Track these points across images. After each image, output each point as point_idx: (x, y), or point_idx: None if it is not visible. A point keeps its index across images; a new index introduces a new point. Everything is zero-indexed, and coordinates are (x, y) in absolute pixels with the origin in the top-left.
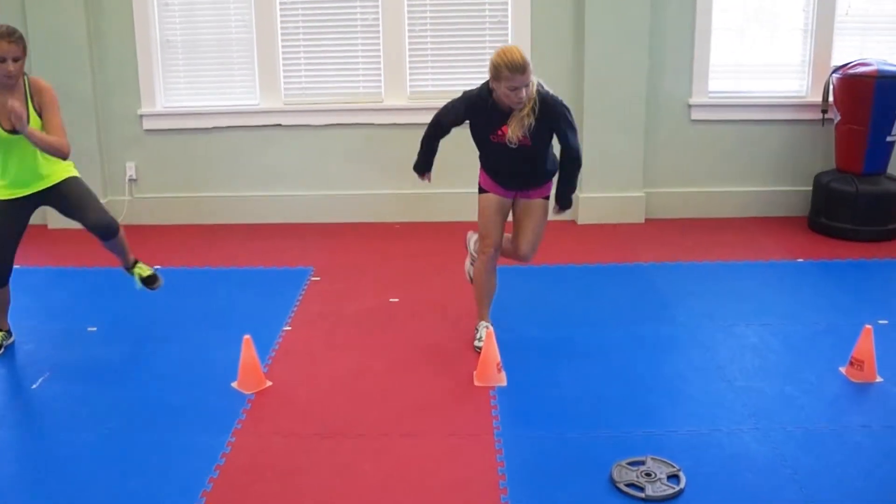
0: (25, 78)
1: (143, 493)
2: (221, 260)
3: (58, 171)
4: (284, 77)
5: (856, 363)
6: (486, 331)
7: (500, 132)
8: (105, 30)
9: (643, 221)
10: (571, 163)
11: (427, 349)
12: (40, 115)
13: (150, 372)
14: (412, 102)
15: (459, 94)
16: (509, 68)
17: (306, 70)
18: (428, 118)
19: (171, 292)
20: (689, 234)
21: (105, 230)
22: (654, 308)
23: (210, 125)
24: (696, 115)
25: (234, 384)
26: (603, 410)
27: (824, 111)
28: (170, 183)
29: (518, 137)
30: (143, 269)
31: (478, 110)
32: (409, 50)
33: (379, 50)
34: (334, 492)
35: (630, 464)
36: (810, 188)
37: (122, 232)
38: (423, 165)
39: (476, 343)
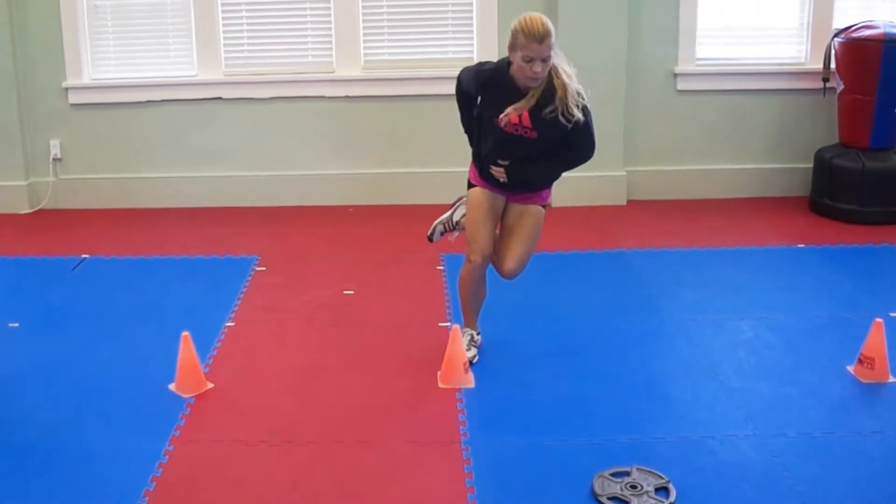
0: None
1: None
2: (156, 248)
3: None
4: (225, 45)
5: (865, 361)
6: (471, 338)
7: (504, 117)
8: None
9: (624, 203)
10: (572, 160)
11: (386, 346)
12: None
13: (78, 373)
14: (366, 73)
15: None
16: (526, 34)
17: (249, 37)
18: (384, 90)
19: (100, 284)
20: (676, 217)
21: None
22: (637, 300)
23: (143, 99)
24: (682, 84)
25: (172, 386)
26: (582, 415)
27: (825, 79)
28: (98, 163)
29: (513, 116)
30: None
31: (490, 84)
32: (363, 15)
33: (330, 15)
34: None
35: (613, 475)
36: (811, 165)
37: None
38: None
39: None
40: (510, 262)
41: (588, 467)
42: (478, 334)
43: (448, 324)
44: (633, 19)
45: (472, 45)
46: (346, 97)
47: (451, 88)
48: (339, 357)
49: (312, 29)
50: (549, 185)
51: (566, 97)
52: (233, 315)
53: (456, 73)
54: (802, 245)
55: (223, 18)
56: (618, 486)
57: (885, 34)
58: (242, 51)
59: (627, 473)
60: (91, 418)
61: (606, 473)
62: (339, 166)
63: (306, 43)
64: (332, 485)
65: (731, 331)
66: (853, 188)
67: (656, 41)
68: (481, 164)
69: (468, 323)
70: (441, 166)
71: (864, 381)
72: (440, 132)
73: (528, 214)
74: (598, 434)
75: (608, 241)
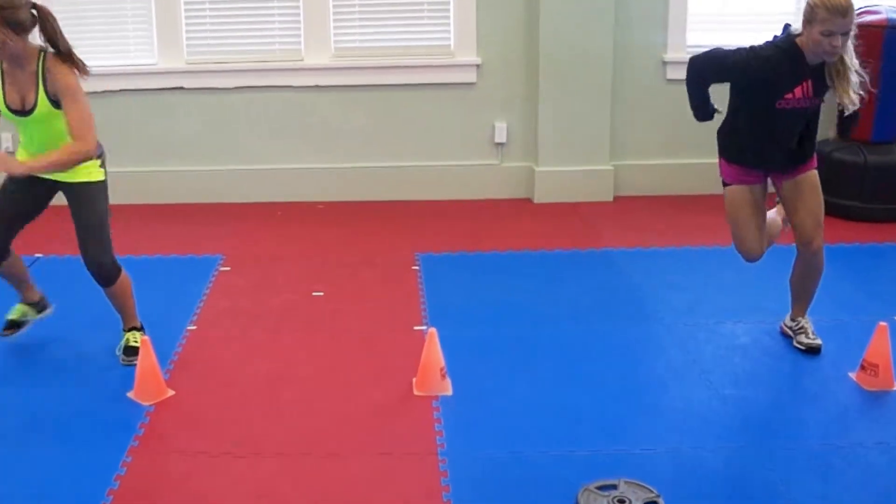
0: (42, 56)
1: None
2: (114, 247)
3: (77, 168)
4: (187, 32)
5: (869, 367)
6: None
7: (790, 95)
8: None
9: (611, 199)
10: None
11: (358, 352)
12: (55, 103)
13: (30, 379)
14: (337, 61)
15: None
16: (828, 8)
17: (212, 24)
18: (356, 79)
19: (54, 286)
20: (666, 214)
21: (97, 271)
22: (625, 302)
23: (99, 88)
24: (672, 73)
25: (130, 394)
26: (567, 424)
27: None
28: None
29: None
30: (133, 339)
31: (770, 67)
32: (334, 0)
33: (298, 0)
34: None
35: (599, 488)
36: None
37: (124, 284)
38: (706, 110)
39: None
40: (809, 224)
41: (573, 480)
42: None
43: (424, 327)
44: (620, 4)
45: (448, 31)
46: (316, 87)
47: (427, 77)
48: (308, 363)
49: (279, 14)
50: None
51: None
52: (195, 318)
53: (432, 60)
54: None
55: (185, 3)
56: (604, 501)
57: (888, 20)
58: (205, 38)
59: (614, 487)
60: (44, 428)
61: (592, 487)
62: (309, 160)
63: (273, 29)
64: (299, 500)
65: (724, 335)
66: (854, 184)
67: (645, 27)
68: (748, 152)
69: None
70: (417, 160)
71: (867, 388)
72: (416, 124)
73: (809, 179)
74: (583, 445)
75: (594, 240)
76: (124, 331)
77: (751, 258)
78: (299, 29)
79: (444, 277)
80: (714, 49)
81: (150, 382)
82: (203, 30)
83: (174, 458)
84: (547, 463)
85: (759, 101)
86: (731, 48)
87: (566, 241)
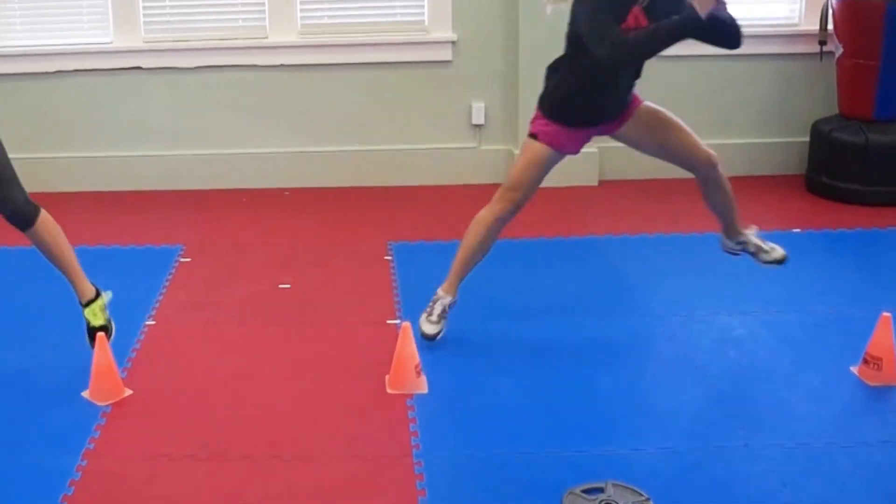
0: None
1: None
2: (66, 237)
3: None
4: (144, 8)
5: (871, 361)
6: (443, 306)
7: (625, 25)
8: None
9: (597, 184)
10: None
11: (327, 347)
12: None
13: None
14: (303, 39)
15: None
16: None
17: None
18: (324, 58)
19: (2, 278)
20: (656, 199)
21: (13, 210)
22: (612, 293)
23: (51, 69)
24: None
25: (85, 394)
26: (550, 423)
27: (823, 42)
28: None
29: (631, 19)
30: (95, 315)
31: None
32: None
33: None
34: None
35: (586, 491)
36: (807, 139)
37: (48, 223)
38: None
39: (426, 322)
40: (701, 146)
41: (557, 483)
42: (451, 301)
43: (397, 321)
44: None
45: (422, 6)
46: (281, 66)
47: (399, 55)
48: (275, 360)
49: None
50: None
51: None
52: (154, 313)
53: (404, 37)
54: (798, 230)
55: None
56: None
57: None
58: (164, 14)
59: (602, 490)
60: None
61: (578, 490)
62: (274, 144)
63: (236, 5)
64: None
65: (719, 328)
66: (855, 165)
67: None
68: (587, 108)
69: (451, 286)
70: (389, 143)
71: (870, 383)
72: (388, 105)
73: (648, 107)
74: (568, 445)
75: (579, 227)
76: (82, 306)
77: (515, 199)
78: (263, 4)
79: (418, 268)
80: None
81: (105, 381)
82: (161, 6)
83: (133, 462)
84: (529, 465)
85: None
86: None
87: (549, 229)
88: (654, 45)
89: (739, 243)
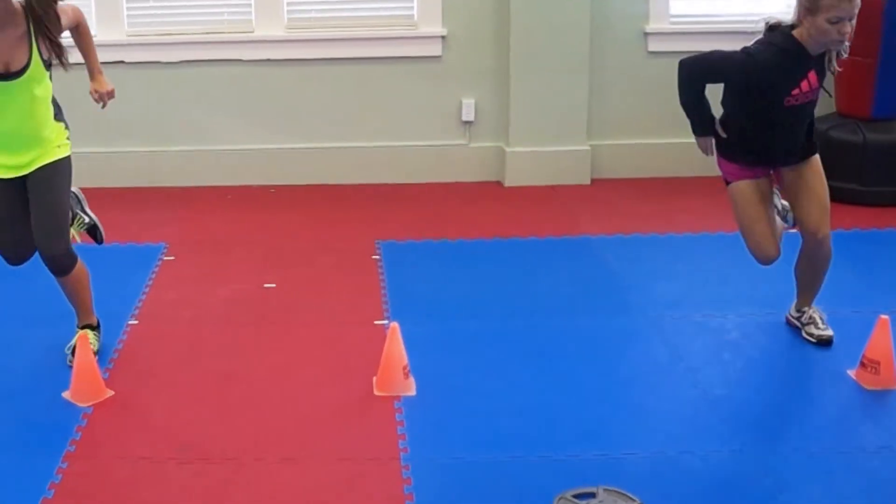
0: (28, 13)
1: None
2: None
3: (48, 147)
4: (128, 1)
5: (869, 365)
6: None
7: (797, 90)
8: None
9: (589, 182)
10: None
11: (313, 348)
12: (47, 64)
13: None
14: (290, 33)
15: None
16: None
17: None
18: (311, 52)
19: None
20: (648, 198)
21: (56, 258)
22: (605, 294)
23: None
24: (654, 45)
25: (66, 394)
26: (541, 427)
27: None
28: None
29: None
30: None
31: (772, 69)
32: None
33: None
34: None
35: (577, 496)
36: None
37: (81, 273)
38: (706, 124)
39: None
40: (815, 216)
41: (548, 488)
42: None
43: (385, 322)
44: None
45: (412, 1)
46: (268, 61)
47: (388, 50)
48: (260, 361)
49: None
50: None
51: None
52: (136, 312)
53: (393, 32)
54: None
55: None
56: None
57: None
58: (148, 7)
59: (593, 495)
60: None
61: (569, 495)
62: (260, 140)
63: None
64: None
65: (713, 330)
66: (853, 165)
67: None
68: (753, 152)
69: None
70: (377, 140)
71: (867, 387)
72: (376, 101)
73: (811, 164)
74: (559, 449)
75: (570, 226)
76: (78, 328)
77: (768, 259)
78: None
79: (407, 267)
80: (707, 53)
81: (87, 382)
82: None
83: (114, 464)
84: (519, 469)
85: (761, 101)
86: (724, 51)
87: (540, 228)
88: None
89: (800, 312)
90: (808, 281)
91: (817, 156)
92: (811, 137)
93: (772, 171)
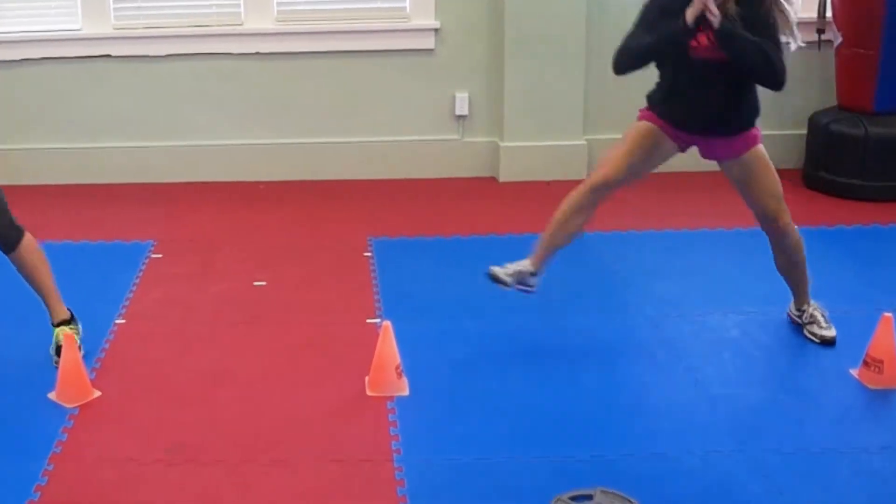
0: None
1: None
2: (33, 232)
3: None
4: None
5: (872, 363)
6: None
7: (696, 42)
8: None
9: (584, 177)
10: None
11: (304, 348)
12: None
13: None
14: (280, 25)
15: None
16: None
17: None
18: (301, 45)
19: None
20: (646, 193)
21: None
22: (601, 292)
23: (17, 56)
24: None
25: (52, 395)
26: (537, 427)
27: (821, 31)
28: None
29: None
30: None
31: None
32: None
33: None
34: None
35: (574, 498)
36: (804, 132)
37: (31, 248)
38: (670, 31)
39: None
40: (764, 201)
41: (544, 490)
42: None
43: (377, 321)
44: None
45: None
46: (257, 54)
47: (380, 43)
48: (250, 361)
49: None
50: (751, 126)
51: None
52: (124, 311)
53: (385, 24)
54: (796, 226)
55: None
56: None
57: None
58: (134, 0)
59: (591, 497)
60: None
61: (566, 497)
62: (249, 135)
63: None
64: None
65: (713, 328)
66: (855, 159)
67: None
68: (673, 102)
69: (537, 261)
70: (369, 135)
71: (870, 386)
72: (368, 95)
73: (748, 163)
74: (555, 450)
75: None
76: (53, 326)
77: (600, 176)
78: None
79: (399, 265)
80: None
81: (73, 382)
82: None
83: (101, 466)
84: (515, 470)
85: (670, 44)
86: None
87: (536, 225)
88: (641, 51)
89: (800, 311)
90: (794, 276)
91: (761, 146)
92: (747, 116)
93: (683, 145)
